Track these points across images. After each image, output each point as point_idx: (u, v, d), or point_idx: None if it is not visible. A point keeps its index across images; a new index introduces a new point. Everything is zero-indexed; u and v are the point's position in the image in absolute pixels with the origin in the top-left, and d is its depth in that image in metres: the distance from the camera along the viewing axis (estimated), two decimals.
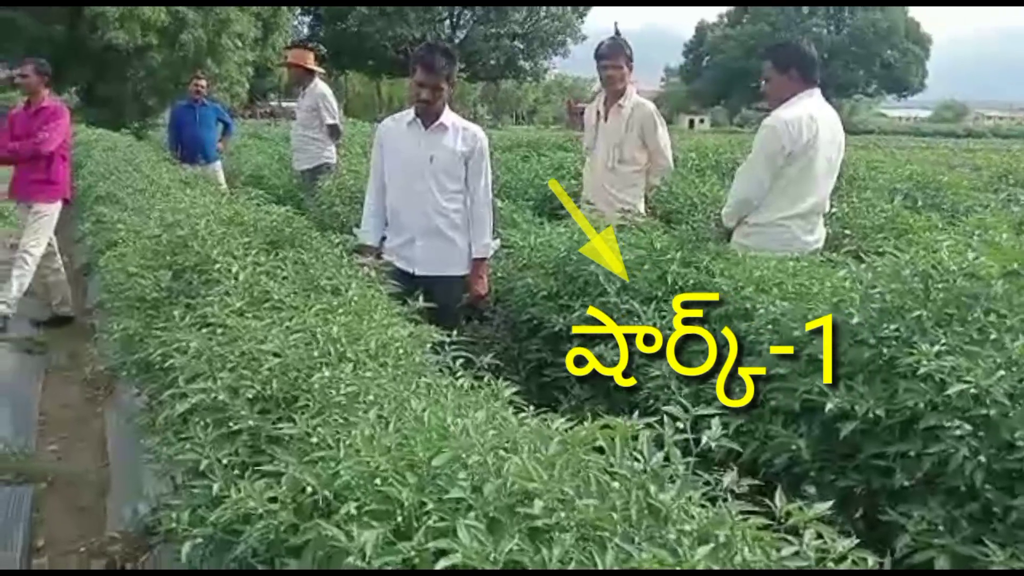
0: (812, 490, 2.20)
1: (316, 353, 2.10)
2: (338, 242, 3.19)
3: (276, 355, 2.13)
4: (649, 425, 1.46)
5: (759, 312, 2.58)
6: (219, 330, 2.38)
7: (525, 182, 6.11)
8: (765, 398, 2.35)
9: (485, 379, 2.17)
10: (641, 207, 4.53)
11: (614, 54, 4.41)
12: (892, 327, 2.17)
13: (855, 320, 2.20)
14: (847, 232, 3.97)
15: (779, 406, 2.33)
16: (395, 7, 39.44)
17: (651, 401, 2.65)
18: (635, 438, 1.43)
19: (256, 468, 1.87)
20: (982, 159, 16.89)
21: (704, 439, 1.44)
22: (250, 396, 2.04)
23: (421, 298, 2.63)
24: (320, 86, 6.91)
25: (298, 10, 28.20)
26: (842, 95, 57.65)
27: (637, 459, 1.40)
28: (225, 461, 1.91)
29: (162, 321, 2.86)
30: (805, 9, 55.78)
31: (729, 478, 1.38)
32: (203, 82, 8.70)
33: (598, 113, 4.55)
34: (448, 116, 3.52)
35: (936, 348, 1.99)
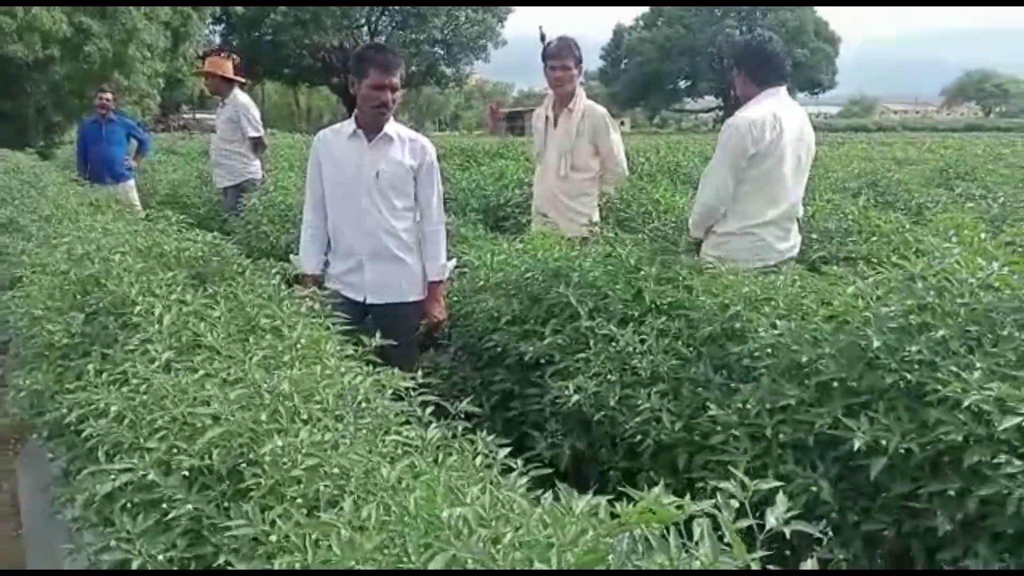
0: (829, 533, 1.99)
1: (263, 416, 1.76)
2: (275, 272, 2.84)
3: (215, 418, 1.80)
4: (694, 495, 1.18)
5: (756, 334, 2.34)
6: (143, 387, 2.03)
7: (467, 192, 5.82)
8: (773, 432, 2.12)
9: (459, 429, 1.89)
10: (596, 216, 4.28)
11: (562, 54, 4.15)
12: (913, 348, 1.96)
13: (875, 342, 1.97)
14: (814, 236, 3.80)
15: (789, 440, 2.10)
16: (311, 16, 38.61)
17: (639, 436, 2.40)
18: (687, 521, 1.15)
19: (200, 568, 1.55)
20: (899, 151, 17.37)
21: (771, 521, 1.16)
22: (186, 471, 1.70)
23: (378, 335, 2.31)
24: (240, 96, 6.45)
25: (208, 18, 27.22)
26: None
27: (692, 552, 1.12)
28: (160, 557, 1.58)
29: (75, 374, 2.48)
30: (718, 11, 56.95)
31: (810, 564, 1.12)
32: (108, 95, 8.10)
33: (547, 119, 4.29)
34: (392, 126, 3.20)
35: (975, 374, 1.78)
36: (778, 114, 3.29)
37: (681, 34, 56.01)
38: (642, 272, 2.83)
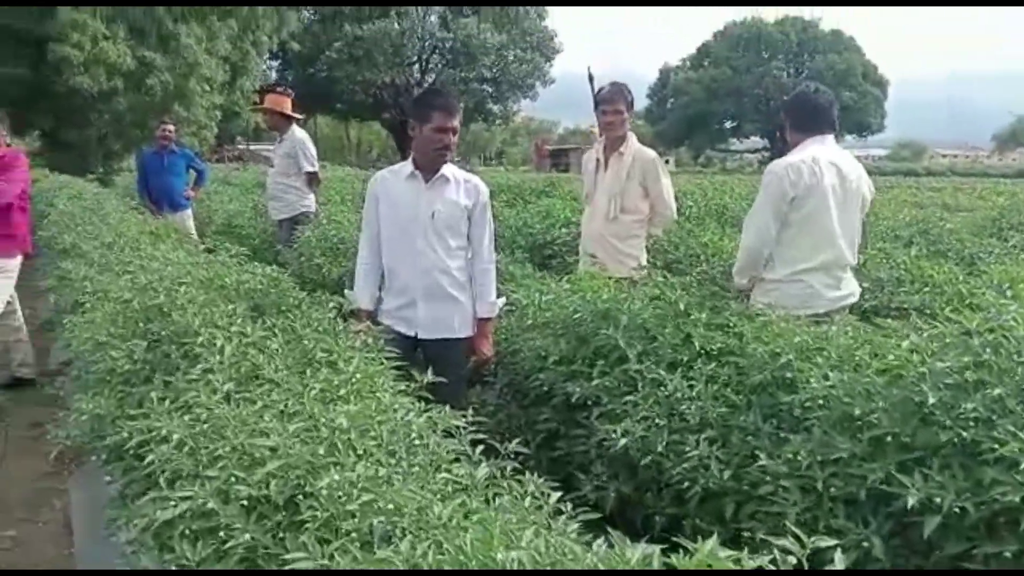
0: None
1: (321, 449, 1.81)
2: (332, 306, 2.90)
3: (273, 450, 1.85)
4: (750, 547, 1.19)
5: (808, 384, 2.33)
6: (204, 416, 2.09)
7: (514, 230, 5.88)
8: (825, 484, 2.10)
9: (508, 469, 1.91)
10: (643, 258, 4.31)
11: (615, 99, 4.21)
12: (969, 406, 1.94)
13: (930, 398, 1.96)
14: (865, 285, 3.77)
15: (840, 494, 2.08)
16: (364, 53, 39.50)
17: (686, 483, 2.40)
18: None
19: None
20: (949, 197, 17.08)
21: None
22: (244, 501, 1.75)
23: (430, 371, 2.35)
24: (298, 132, 6.63)
25: (266, 54, 27.99)
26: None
27: None
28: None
29: (136, 400, 2.56)
30: (766, 53, 56.96)
31: None
32: (171, 127, 8.38)
33: (597, 161, 4.34)
34: (448, 167, 3.28)
35: None
36: (818, 158, 3.31)
37: (727, 75, 56.06)
38: (692, 317, 2.84)
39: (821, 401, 2.27)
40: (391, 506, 1.63)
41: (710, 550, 1.20)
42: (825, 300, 3.27)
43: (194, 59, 20.03)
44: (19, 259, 5.32)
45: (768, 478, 2.21)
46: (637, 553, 1.26)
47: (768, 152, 60.05)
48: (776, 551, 1.17)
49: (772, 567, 1.14)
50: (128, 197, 10.01)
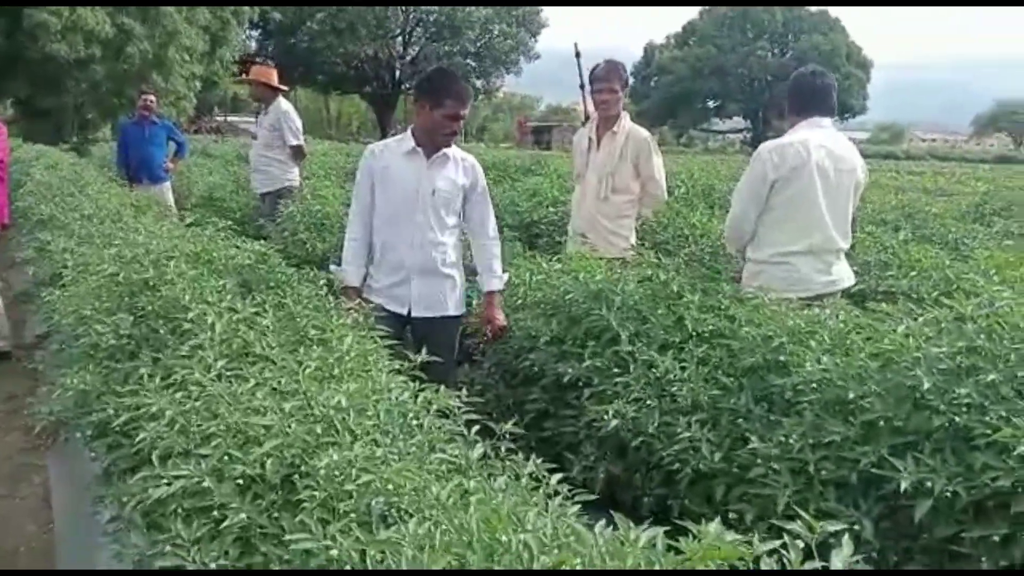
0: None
1: (318, 428, 1.79)
2: (322, 283, 2.87)
3: (267, 428, 1.83)
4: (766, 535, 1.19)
5: (801, 368, 2.34)
6: (195, 393, 2.06)
7: (501, 209, 5.84)
8: (816, 467, 2.11)
9: (503, 450, 1.91)
10: (633, 239, 4.30)
11: (610, 77, 4.17)
12: (963, 391, 1.95)
13: (925, 383, 1.97)
14: (854, 269, 3.78)
15: (831, 477, 2.10)
16: (347, 25, 39.02)
17: (676, 465, 2.41)
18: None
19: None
20: (929, 181, 17.22)
21: (837, 564, 1.17)
22: (239, 480, 1.74)
23: (424, 350, 2.33)
24: (283, 104, 6.53)
25: (246, 24, 27.58)
26: (784, 117, 58.79)
27: None
28: (213, 565, 1.61)
29: (123, 375, 2.53)
30: (751, 33, 56.87)
31: None
32: (152, 98, 8.22)
33: (590, 140, 4.31)
34: (450, 146, 3.25)
35: None
36: (808, 141, 3.30)
37: (712, 54, 55.92)
38: (684, 299, 2.84)
39: (814, 385, 2.29)
40: (389, 486, 1.62)
41: (717, 534, 1.20)
42: (814, 284, 3.27)
43: (173, 27, 19.71)
44: None
45: (759, 461, 2.23)
46: (644, 536, 1.25)
47: (750, 132, 60.17)
48: (786, 535, 1.17)
49: (782, 551, 1.14)
50: (105, 168, 9.86)
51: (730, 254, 3.90)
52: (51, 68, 19.20)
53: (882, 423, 2.05)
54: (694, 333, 2.75)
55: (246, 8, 23.70)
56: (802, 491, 2.11)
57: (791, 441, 2.18)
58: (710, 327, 2.74)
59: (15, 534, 3.17)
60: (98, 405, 2.45)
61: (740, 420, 2.40)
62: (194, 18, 20.95)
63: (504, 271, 3.44)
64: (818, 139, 3.31)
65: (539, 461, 1.81)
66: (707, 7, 58.72)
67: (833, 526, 1.21)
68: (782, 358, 2.48)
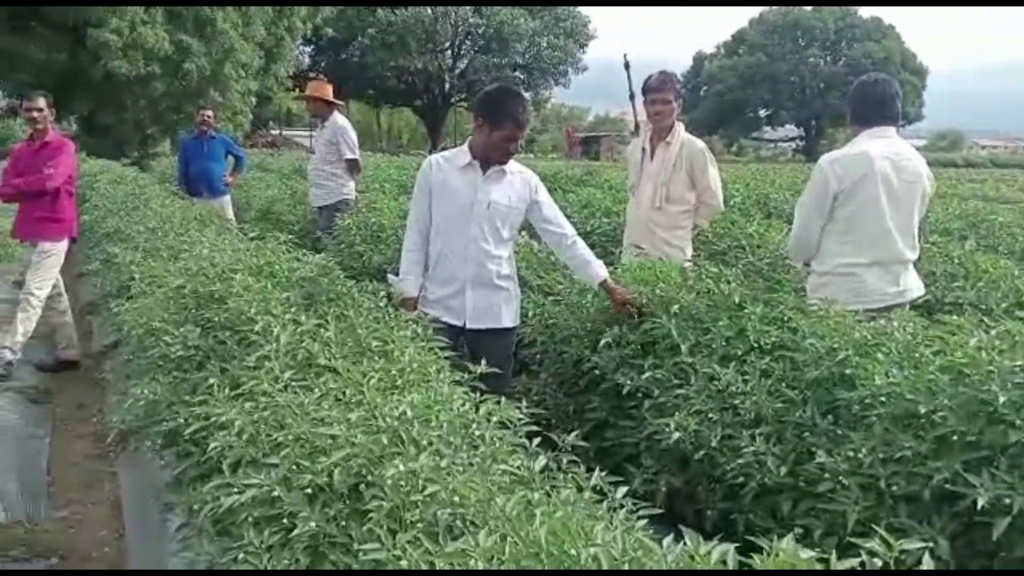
0: None
1: (384, 439, 1.81)
2: (382, 295, 2.91)
3: (334, 438, 1.85)
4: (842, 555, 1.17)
5: (869, 380, 2.30)
6: (263, 403, 2.10)
7: None
8: (887, 483, 2.07)
9: (564, 462, 1.91)
10: (689, 250, 4.26)
11: (664, 87, 4.16)
12: None
13: (1000, 398, 1.92)
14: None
15: (903, 493, 2.05)
16: (397, 39, 39.56)
17: (741, 478, 2.37)
18: None
19: None
20: (990, 189, 16.74)
21: None
22: (307, 490, 1.76)
23: (483, 362, 2.34)
24: (339, 119, 6.65)
25: (300, 40, 28.13)
26: (839, 125, 57.86)
27: None
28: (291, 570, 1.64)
29: (191, 385, 2.59)
30: (802, 40, 56.11)
31: None
32: (210, 113, 8.44)
33: (643, 150, 4.30)
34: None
35: None
36: (870, 152, 3.25)
37: (763, 62, 55.27)
38: (746, 310, 2.81)
39: (883, 398, 2.24)
40: (455, 498, 1.63)
41: (792, 551, 1.18)
42: (881, 296, 3.21)
43: (230, 44, 20.18)
44: (66, 243, 5.40)
45: (827, 475, 2.19)
46: (716, 551, 1.24)
47: (803, 141, 59.29)
48: (863, 553, 1.15)
49: (860, 568, 1.12)
50: (166, 182, 10.12)
51: (790, 265, 3.85)
52: (112, 85, 19.81)
53: (955, 438, 2.00)
54: (756, 345, 2.71)
55: (300, 24, 24.16)
56: (873, 507, 2.07)
57: (860, 455, 2.14)
58: (773, 339, 2.71)
59: (88, 540, 3.27)
60: (168, 414, 2.51)
61: (806, 434, 2.36)
62: (250, 34, 21.44)
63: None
64: (881, 149, 3.26)
65: (602, 474, 1.81)
66: (758, 15, 58.05)
67: (911, 544, 1.18)
68: (848, 371, 2.43)
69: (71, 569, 2.95)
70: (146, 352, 2.96)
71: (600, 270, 3.30)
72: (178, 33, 19.74)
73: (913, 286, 3.32)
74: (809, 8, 56.52)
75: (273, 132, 39.82)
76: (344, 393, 2.12)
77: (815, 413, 2.40)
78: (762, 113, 59.73)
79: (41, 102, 5.24)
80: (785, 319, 2.77)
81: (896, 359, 2.40)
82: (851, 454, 2.17)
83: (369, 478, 1.75)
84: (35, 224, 5.25)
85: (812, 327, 2.67)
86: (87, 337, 5.93)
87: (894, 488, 2.05)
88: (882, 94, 3.38)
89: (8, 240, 6.28)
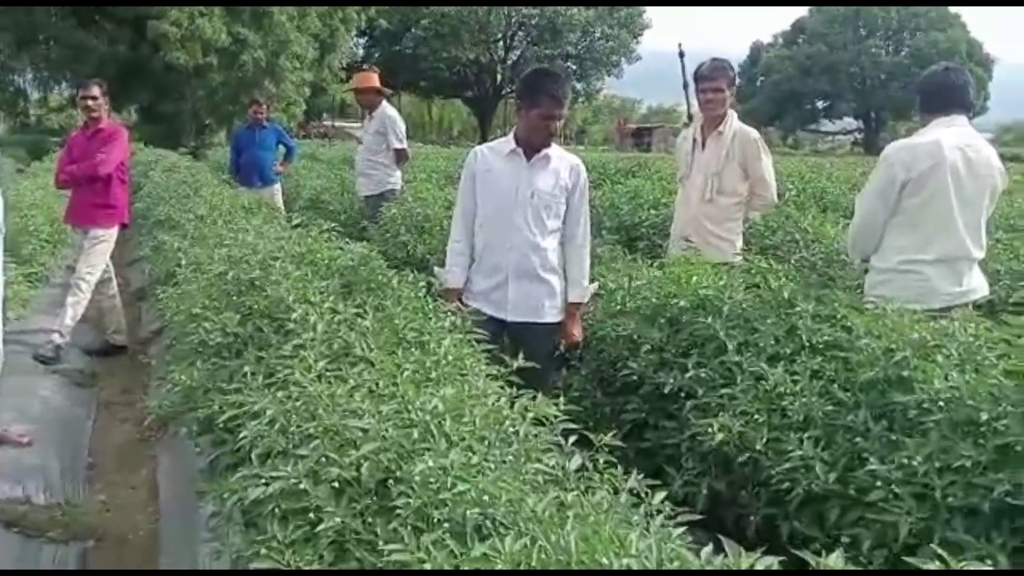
0: None
1: (415, 434, 1.76)
2: (421, 285, 2.87)
3: (364, 431, 1.81)
4: None
5: (928, 384, 2.17)
6: (295, 393, 2.07)
7: (600, 212, 5.75)
8: (943, 494, 1.95)
9: (601, 462, 1.83)
10: (739, 244, 4.13)
11: (716, 76, 4.02)
12: None
13: None
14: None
15: (960, 505, 1.93)
16: (450, 30, 39.65)
17: (787, 483, 2.27)
18: None
19: None
20: None
21: None
22: (335, 483, 1.72)
23: (520, 356, 2.28)
24: (387, 109, 6.63)
25: (354, 31, 28.36)
26: (900, 118, 56.33)
27: None
28: (307, 569, 1.60)
29: (228, 373, 2.58)
30: (863, 30, 54.67)
31: None
32: (262, 107, 8.54)
33: (694, 140, 4.17)
34: (551, 147, 3.20)
35: None
36: (941, 141, 3.10)
37: (823, 52, 53.96)
38: (797, 308, 2.69)
39: (941, 403, 2.11)
40: (485, 497, 1.57)
41: (842, 567, 1.09)
42: (943, 295, 3.05)
43: (285, 36, 20.46)
44: (116, 229, 5.47)
45: (878, 483, 2.08)
46: (759, 564, 1.16)
47: (861, 134, 57.86)
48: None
49: None
50: (219, 171, 10.27)
51: (845, 261, 3.70)
52: (171, 76, 20.26)
53: (1019, 448, 1.88)
54: (807, 344, 2.60)
55: (354, 15, 24.35)
56: (926, 519, 1.95)
57: (915, 464, 2.02)
58: (825, 338, 2.59)
59: (126, 522, 3.30)
60: (204, 401, 2.51)
61: (857, 439, 2.24)
62: (305, 26, 21.69)
63: (593, 280, 3.35)
64: (952, 139, 3.10)
65: (639, 476, 1.73)
66: (818, 6, 56.74)
67: (967, 561, 1.08)
68: (905, 373, 2.31)
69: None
70: (187, 338, 2.96)
71: (578, 292, 3.26)
72: (235, 25, 20.08)
73: (977, 286, 3.16)
74: None
75: (326, 123, 40.25)
76: (377, 384, 2.08)
77: (868, 417, 2.28)
78: (820, 105, 58.37)
79: (95, 90, 5.31)
80: (839, 317, 2.65)
81: (957, 362, 2.27)
82: (905, 462, 2.06)
83: (398, 473, 1.70)
84: (87, 210, 5.33)
85: (867, 326, 2.54)
86: (136, 323, 6.04)
87: (950, 500, 1.94)
88: (953, 81, 3.24)
89: (62, 225, 6.41)
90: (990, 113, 59.78)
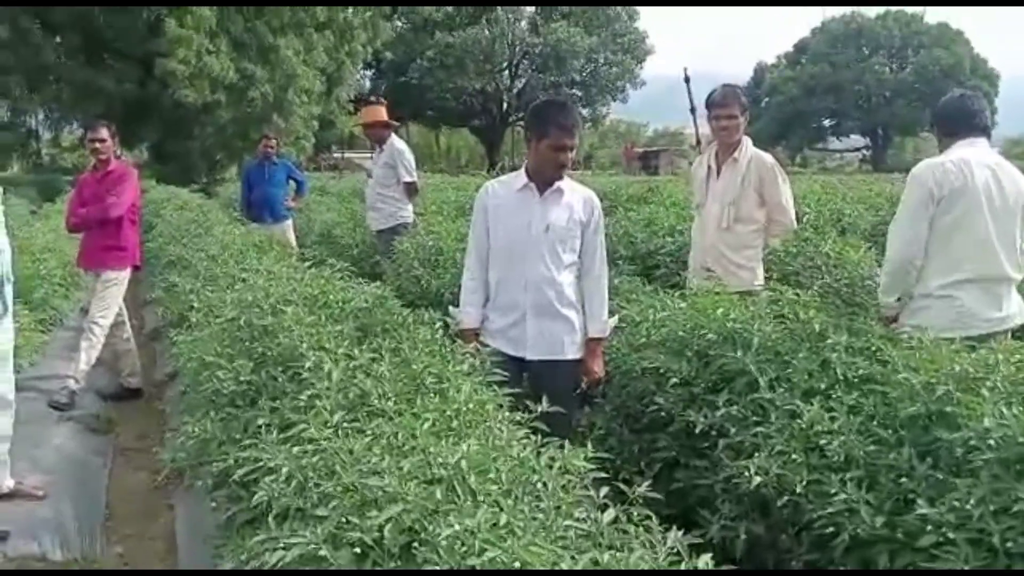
0: None
1: (438, 493, 1.67)
2: (438, 325, 2.79)
3: (385, 491, 1.71)
4: None
5: (975, 420, 2.07)
6: (311, 448, 1.98)
7: (615, 240, 5.66)
8: (1001, 539, 1.84)
9: (635, 515, 1.73)
10: (760, 271, 4.04)
11: (728, 102, 3.96)
12: None
13: None
14: None
15: (1021, 551, 1.81)
16: (455, 60, 39.93)
17: (830, 528, 2.16)
18: None
19: None
20: None
21: None
22: (356, 548, 1.63)
23: (544, 400, 2.19)
24: (396, 142, 6.60)
25: (360, 64, 28.58)
26: (906, 134, 56.22)
27: None
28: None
29: (242, 424, 2.50)
30: (866, 48, 54.78)
31: None
32: (272, 142, 8.54)
33: (709, 168, 4.09)
34: (563, 180, 3.12)
35: None
36: (968, 159, 3.07)
37: (826, 72, 54.05)
38: (829, 340, 2.59)
39: (991, 441, 2.00)
40: (516, 563, 1.47)
41: None
42: (982, 321, 2.96)
43: (292, 71, 20.60)
44: (128, 271, 5.43)
45: (929, 527, 1.96)
46: None
47: (869, 151, 57.76)
48: None
49: None
50: (230, 208, 10.27)
51: (871, 286, 3.60)
52: (180, 113, 20.42)
53: None
54: (842, 378, 2.50)
55: (360, 48, 24.54)
56: (985, 566, 1.84)
57: (968, 506, 1.91)
58: (861, 372, 2.49)
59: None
60: (218, 454, 2.42)
61: (902, 479, 2.13)
62: (312, 60, 21.86)
63: (612, 313, 3.26)
64: (979, 157, 3.06)
65: (679, 532, 1.63)
66: (820, 24, 56.94)
67: None
68: (948, 408, 2.20)
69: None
70: (200, 387, 2.89)
71: (597, 328, 3.16)
72: (242, 61, 20.25)
73: (1017, 311, 3.06)
74: (873, 15, 55.18)
75: (336, 155, 40.46)
76: (396, 436, 1.99)
77: (912, 456, 2.17)
78: (826, 123, 58.38)
79: (104, 132, 5.29)
80: (874, 349, 2.54)
81: (1003, 395, 2.16)
82: (957, 504, 1.95)
83: (423, 535, 1.61)
84: (99, 253, 5.29)
85: (905, 358, 2.44)
86: (151, 364, 5.97)
87: (1010, 545, 1.82)
88: (969, 107, 3.26)
89: (75, 268, 6.38)
90: (998, 128, 59.59)
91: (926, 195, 3.06)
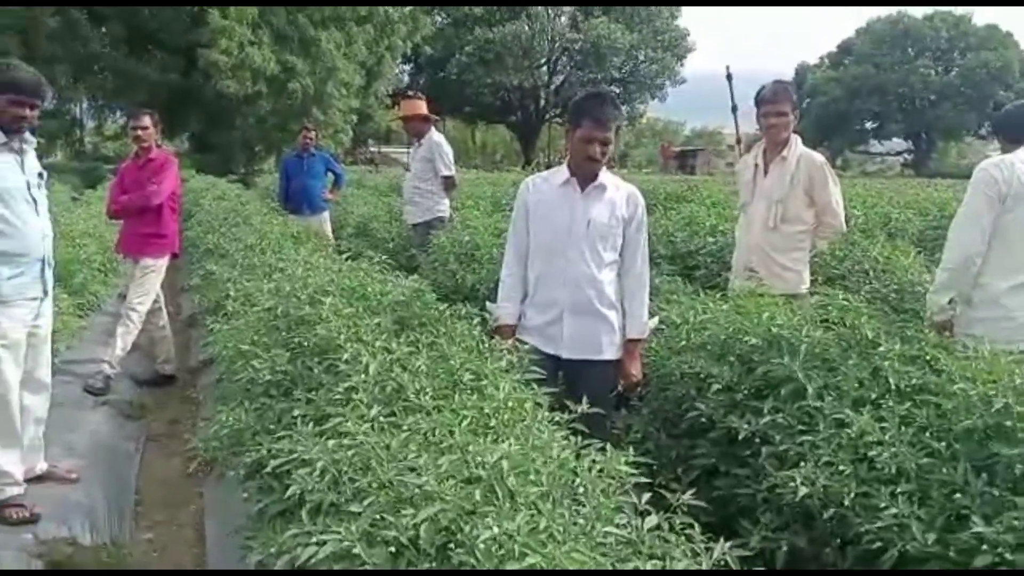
0: None
1: (477, 494, 1.62)
2: (476, 321, 2.74)
3: (421, 488, 1.67)
4: None
5: None
6: (347, 441, 1.95)
7: (655, 240, 5.57)
8: None
9: (677, 523, 1.67)
10: (807, 275, 3.93)
11: (779, 99, 3.85)
12: None
13: None
14: None
15: None
16: (495, 56, 39.91)
17: (878, 543, 2.07)
18: None
19: None
20: None
21: None
22: (391, 548, 1.59)
23: (584, 401, 2.13)
24: (435, 135, 6.57)
25: (399, 58, 28.68)
26: (952, 138, 55.15)
27: None
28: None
29: (276, 414, 2.47)
30: (911, 51, 53.76)
31: None
32: (312, 134, 8.55)
33: (756, 166, 3.99)
34: (605, 175, 3.05)
35: None
36: None
37: (870, 73, 53.13)
38: (881, 348, 2.50)
39: None
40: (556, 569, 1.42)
41: None
42: None
43: (333, 64, 20.72)
44: (167, 259, 5.46)
45: (984, 547, 1.87)
46: None
47: (911, 155, 56.74)
48: None
49: None
50: (268, 199, 10.32)
51: (920, 291, 3.49)
52: (222, 104, 20.64)
53: None
54: (894, 388, 2.40)
55: (400, 42, 24.61)
56: None
57: None
58: (914, 381, 2.39)
59: (171, 563, 3.20)
60: (252, 444, 2.40)
61: (956, 495, 2.04)
62: (352, 54, 21.97)
63: (652, 314, 3.18)
64: None
65: (731, 546, 1.57)
66: (865, 24, 55.99)
67: None
68: (1007, 422, 2.10)
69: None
70: (235, 375, 2.87)
71: (636, 329, 3.09)
72: (284, 53, 20.41)
73: None
74: (920, 16, 54.15)
75: (372, 149, 40.64)
76: (434, 432, 1.95)
77: (967, 471, 2.07)
78: (868, 126, 57.44)
79: (146, 120, 5.33)
80: (928, 358, 2.45)
81: None
82: (1015, 523, 1.85)
83: (459, 536, 1.56)
84: (138, 240, 5.33)
85: (962, 369, 2.34)
86: (186, 351, 6.01)
87: None
88: None
89: (114, 254, 6.44)
90: None
91: (992, 194, 3.03)
